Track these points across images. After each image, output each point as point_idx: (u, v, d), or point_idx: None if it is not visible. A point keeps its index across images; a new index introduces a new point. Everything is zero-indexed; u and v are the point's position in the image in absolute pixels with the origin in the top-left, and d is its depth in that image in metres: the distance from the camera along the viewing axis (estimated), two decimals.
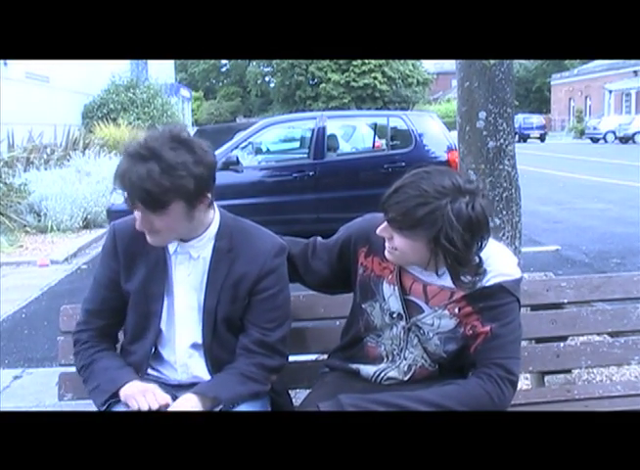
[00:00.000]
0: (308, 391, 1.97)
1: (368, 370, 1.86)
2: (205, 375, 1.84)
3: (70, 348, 2.15)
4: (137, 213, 1.71)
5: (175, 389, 1.84)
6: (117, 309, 1.87)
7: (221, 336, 1.83)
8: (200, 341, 1.83)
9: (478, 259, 1.65)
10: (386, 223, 1.67)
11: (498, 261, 1.71)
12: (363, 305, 1.85)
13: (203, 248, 1.82)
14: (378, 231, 1.70)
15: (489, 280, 1.69)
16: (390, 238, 1.68)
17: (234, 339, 1.84)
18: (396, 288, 1.77)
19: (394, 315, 1.79)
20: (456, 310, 1.72)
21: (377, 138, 8.92)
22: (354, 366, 1.88)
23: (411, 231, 1.61)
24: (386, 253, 1.73)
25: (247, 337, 1.82)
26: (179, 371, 1.86)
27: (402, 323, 1.79)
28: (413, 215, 1.59)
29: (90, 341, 1.87)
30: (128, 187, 1.65)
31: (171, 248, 1.83)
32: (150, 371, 1.87)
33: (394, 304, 1.79)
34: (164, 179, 1.63)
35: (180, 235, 1.79)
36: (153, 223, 1.71)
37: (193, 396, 1.72)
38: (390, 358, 1.83)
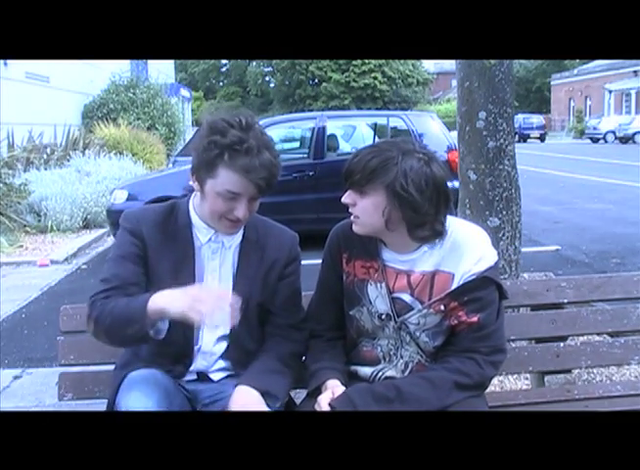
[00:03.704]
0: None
1: (365, 371, 1.87)
2: (226, 363, 1.87)
3: (71, 348, 2.16)
4: (231, 203, 1.73)
5: (188, 383, 1.86)
6: (141, 287, 1.77)
7: (251, 324, 1.86)
8: (228, 330, 1.82)
9: (441, 220, 1.69)
10: (349, 191, 1.73)
11: (476, 246, 1.74)
12: (351, 313, 1.85)
13: (233, 237, 1.86)
14: (343, 199, 1.74)
15: (471, 270, 1.71)
16: (354, 205, 1.72)
17: (261, 328, 1.90)
18: (383, 285, 1.79)
19: (383, 317, 1.81)
20: (441, 308, 1.75)
21: (377, 138, 8.91)
22: (352, 368, 1.89)
23: (369, 185, 1.67)
24: (353, 226, 1.77)
25: (278, 320, 1.90)
26: (202, 357, 1.85)
27: (392, 323, 1.80)
28: (368, 166, 1.67)
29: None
30: (266, 176, 1.73)
31: (203, 237, 1.84)
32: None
33: (381, 305, 1.80)
34: (278, 161, 1.79)
35: None
36: (251, 208, 1.79)
37: (254, 392, 1.74)
38: (388, 359, 1.85)
